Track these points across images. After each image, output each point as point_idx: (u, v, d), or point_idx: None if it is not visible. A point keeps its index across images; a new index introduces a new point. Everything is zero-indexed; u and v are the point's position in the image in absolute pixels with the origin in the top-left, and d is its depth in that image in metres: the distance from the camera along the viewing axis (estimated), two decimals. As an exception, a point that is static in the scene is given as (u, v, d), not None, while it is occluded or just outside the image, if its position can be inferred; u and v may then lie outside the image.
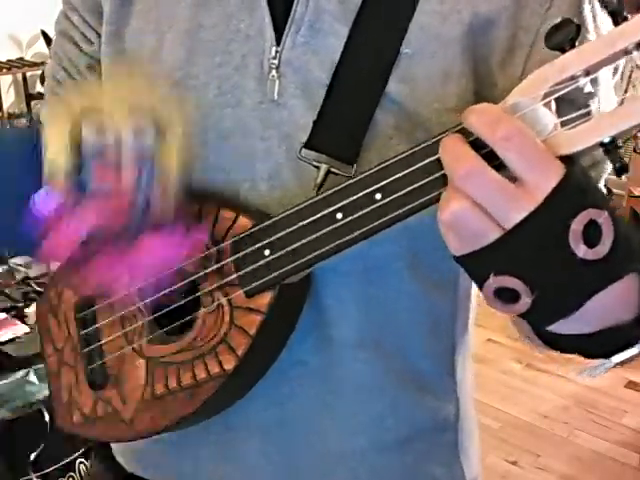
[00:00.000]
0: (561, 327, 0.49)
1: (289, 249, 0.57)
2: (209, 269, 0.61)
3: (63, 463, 1.74)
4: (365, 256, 0.63)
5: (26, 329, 1.95)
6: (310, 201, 0.56)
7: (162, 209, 0.56)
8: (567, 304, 0.47)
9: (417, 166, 0.51)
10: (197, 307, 0.62)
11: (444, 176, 0.49)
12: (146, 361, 0.65)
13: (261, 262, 0.59)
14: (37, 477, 1.68)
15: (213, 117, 0.65)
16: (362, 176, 0.53)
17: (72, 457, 1.76)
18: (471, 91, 0.61)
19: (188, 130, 0.56)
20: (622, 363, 0.53)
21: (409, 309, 0.68)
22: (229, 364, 0.61)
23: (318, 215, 0.55)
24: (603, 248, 0.45)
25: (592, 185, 0.47)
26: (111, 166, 0.54)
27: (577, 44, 0.46)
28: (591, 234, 0.45)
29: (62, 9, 0.76)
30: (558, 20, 0.47)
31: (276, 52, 0.63)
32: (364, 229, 0.54)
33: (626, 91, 0.44)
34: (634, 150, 3.62)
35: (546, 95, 0.46)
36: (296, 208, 0.57)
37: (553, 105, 0.47)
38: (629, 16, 0.44)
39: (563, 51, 0.46)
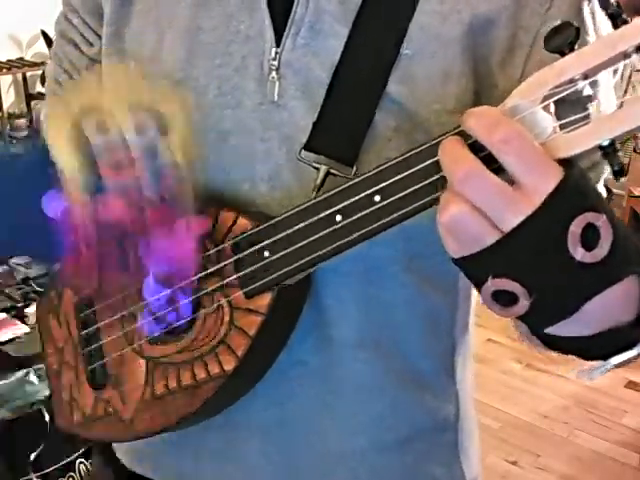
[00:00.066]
0: (560, 329, 0.49)
1: (288, 251, 0.57)
2: (209, 270, 0.61)
3: (63, 463, 1.74)
4: (365, 256, 0.63)
5: (26, 329, 1.95)
6: (309, 203, 0.56)
7: (175, 203, 0.56)
8: (565, 307, 0.48)
9: (416, 168, 0.51)
10: (197, 308, 0.63)
11: (443, 178, 0.49)
12: (146, 361, 0.65)
13: (261, 263, 0.59)
14: (37, 477, 1.68)
15: (213, 118, 0.65)
16: (361, 178, 0.53)
17: (72, 457, 1.75)
18: (471, 91, 0.61)
19: (189, 126, 0.56)
20: (621, 365, 0.53)
21: (408, 309, 0.68)
22: (229, 365, 0.61)
23: (317, 217, 0.55)
24: (601, 251, 0.45)
25: (590, 188, 0.47)
26: (117, 164, 0.54)
27: (577, 47, 0.46)
28: (589, 237, 0.45)
29: (62, 10, 0.75)
30: (557, 23, 0.47)
31: (276, 53, 0.63)
32: (363, 231, 0.54)
33: (626, 91, 0.44)
34: (634, 150, 3.62)
35: (545, 98, 0.46)
36: (295, 210, 0.57)
37: (552, 108, 0.47)
38: (628, 19, 0.44)
39: (562, 54, 0.46)
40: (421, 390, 0.72)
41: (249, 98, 0.64)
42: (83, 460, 1.77)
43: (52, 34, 0.79)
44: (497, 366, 2.90)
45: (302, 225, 0.56)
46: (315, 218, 0.56)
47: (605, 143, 0.44)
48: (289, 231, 0.57)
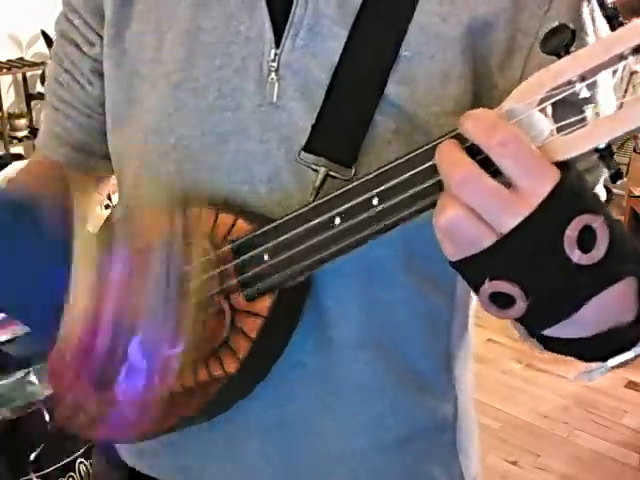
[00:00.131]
0: (557, 331, 0.49)
1: (288, 254, 0.57)
2: (209, 273, 0.61)
3: (63, 463, 1.74)
4: (365, 256, 0.63)
5: (26, 329, 1.94)
6: (308, 206, 0.56)
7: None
8: (562, 309, 0.48)
9: (414, 172, 0.51)
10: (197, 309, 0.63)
11: (440, 182, 0.49)
12: None
13: (261, 266, 0.59)
14: (37, 477, 1.68)
15: (213, 120, 0.65)
16: (359, 182, 0.54)
17: (72, 457, 1.75)
18: (470, 93, 0.61)
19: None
20: (619, 366, 0.54)
21: (408, 309, 0.68)
22: (231, 367, 0.61)
23: (316, 221, 0.56)
24: (598, 253, 0.45)
25: (587, 190, 0.47)
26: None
27: (574, 49, 0.46)
28: (586, 239, 0.45)
29: (62, 10, 0.75)
30: (554, 25, 0.47)
31: (275, 55, 0.63)
32: (362, 234, 0.54)
33: (626, 91, 0.45)
34: (634, 150, 3.62)
35: (542, 100, 0.46)
36: (295, 213, 0.57)
37: (549, 110, 0.47)
38: (625, 21, 0.44)
39: (558, 56, 0.46)
40: (421, 390, 0.72)
41: (249, 100, 0.64)
42: (83, 460, 1.77)
43: (52, 34, 0.79)
44: (497, 366, 2.90)
45: (301, 229, 0.56)
46: (314, 222, 0.56)
47: (602, 146, 0.44)
48: (289, 234, 0.57)
